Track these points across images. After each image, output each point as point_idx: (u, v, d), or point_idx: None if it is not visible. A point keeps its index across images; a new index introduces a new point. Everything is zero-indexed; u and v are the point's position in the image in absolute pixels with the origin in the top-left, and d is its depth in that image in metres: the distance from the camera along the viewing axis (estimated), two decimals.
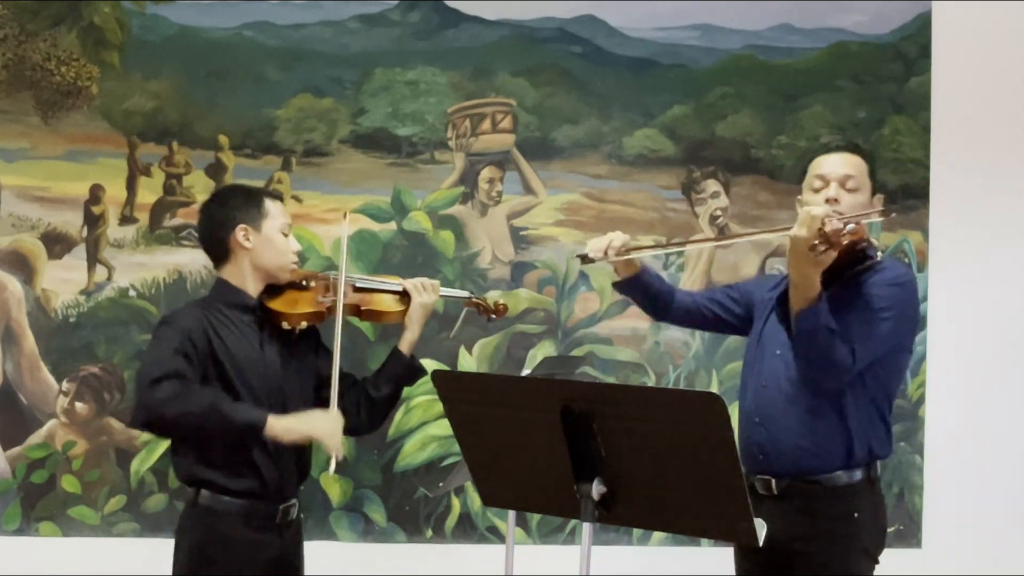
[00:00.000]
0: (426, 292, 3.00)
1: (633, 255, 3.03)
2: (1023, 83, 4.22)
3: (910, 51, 4.25)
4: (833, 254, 2.63)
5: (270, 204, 2.90)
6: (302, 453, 2.90)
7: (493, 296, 3.61)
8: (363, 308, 2.98)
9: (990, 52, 4.20)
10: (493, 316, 3.18)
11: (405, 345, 3.01)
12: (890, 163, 4.23)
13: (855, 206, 2.81)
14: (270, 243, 2.86)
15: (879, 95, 4.26)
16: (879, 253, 2.82)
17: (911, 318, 2.87)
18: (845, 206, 2.80)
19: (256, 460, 2.78)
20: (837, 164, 2.88)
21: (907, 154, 4.24)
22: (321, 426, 2.78)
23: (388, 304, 3.02)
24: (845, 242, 2.64)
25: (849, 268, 2.79)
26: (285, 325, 2.86)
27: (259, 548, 2.79)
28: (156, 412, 2.68)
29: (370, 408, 3.00)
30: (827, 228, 2.60)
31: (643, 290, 3.14)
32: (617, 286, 3.17)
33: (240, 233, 2.85)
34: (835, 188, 2.84)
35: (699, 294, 3.28)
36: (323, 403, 2.90)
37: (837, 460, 2.78)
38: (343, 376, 2.98)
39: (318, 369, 2.96)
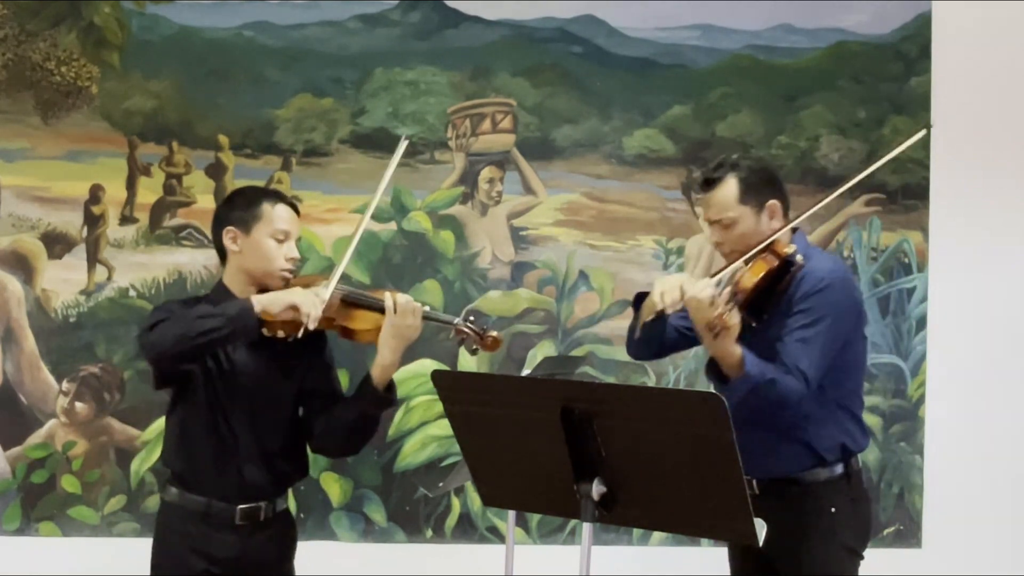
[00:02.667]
0: (400, 314, 2.72)
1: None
2: (1023, 83, 4.22)
3: (910, 51, 4.25)
4: (736, 316, 2.61)
5: (268, 208, 2.80)
6: (291, 457, 2.85)
7: (492, 299, 3.58)
8: (337, 323, 2.81)
9: (990, 52, 4.20)
10: (478, 348, 2.80)
11: (376, 370, 2.76)
12: (890, 163, 4.21)
13: (740, 238, 2.79)
14: (257, 248, 2.78)
15: (879, 95, 4.26)
16: (799, 258, 2.72)
17: (849, 311, 2.80)
18: (728, 246, 2.81)
19: (217, 461, 2.74)
20: (707, 210, 2.86)
21: (907, 154, 4.22)
22: (300, 294, 2.70)
23: (364, 322, 2.81)
24: (734, 309, 2.60)
25: (776, 288, 2.74)
26: (265, 332, 2.80)
27: (213, 546, 2.74)
28: (156, 349, 2.64)
29: (332, 432, 2.83)
30: (713, 311, 2.58)
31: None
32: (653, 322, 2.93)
33: (227, 235, 2.80)
34: (716, 233, 2.84)
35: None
36: (298, 419, 2.87)
37: (808, 462, 2.79)
38: (329, 393, 2.90)
39: (302, 382, 2.85)
